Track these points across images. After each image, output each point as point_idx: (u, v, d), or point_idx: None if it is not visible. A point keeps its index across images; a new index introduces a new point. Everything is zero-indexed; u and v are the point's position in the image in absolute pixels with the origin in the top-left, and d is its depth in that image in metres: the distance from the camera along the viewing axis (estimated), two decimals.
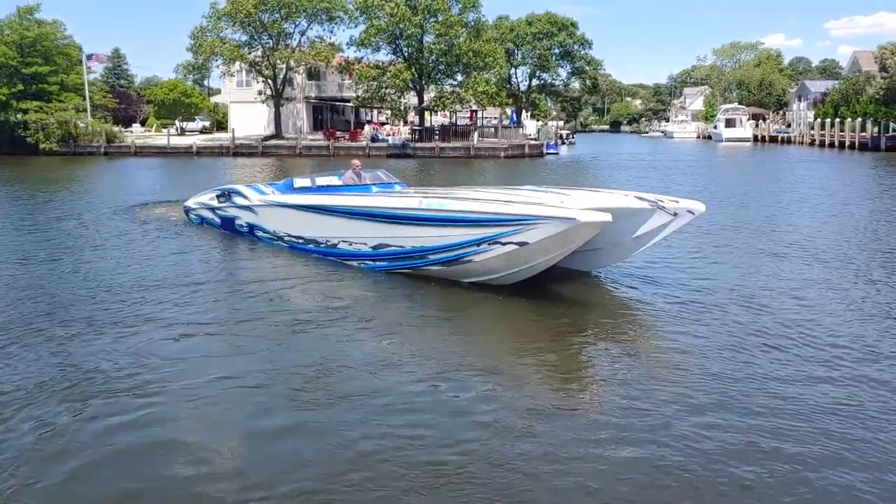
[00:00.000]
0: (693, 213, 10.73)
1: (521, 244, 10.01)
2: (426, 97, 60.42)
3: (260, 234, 14.36)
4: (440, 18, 56.51)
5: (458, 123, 62.56)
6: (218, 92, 75.76)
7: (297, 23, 59.18)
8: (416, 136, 57.58)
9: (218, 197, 15.59)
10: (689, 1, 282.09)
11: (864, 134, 61.39)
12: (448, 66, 58.27)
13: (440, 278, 11.25)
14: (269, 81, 59.79)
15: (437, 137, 56.81)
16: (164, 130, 64.40)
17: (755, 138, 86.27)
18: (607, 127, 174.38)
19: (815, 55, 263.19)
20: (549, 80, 79.22)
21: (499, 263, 10.49)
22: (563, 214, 9.62)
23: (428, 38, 57.81)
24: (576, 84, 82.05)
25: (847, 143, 63.13)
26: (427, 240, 10.98)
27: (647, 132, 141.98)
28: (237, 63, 58.99)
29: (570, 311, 10.08)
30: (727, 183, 32.50)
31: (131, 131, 68.21)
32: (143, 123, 79.44)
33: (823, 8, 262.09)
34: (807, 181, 32.17)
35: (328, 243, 12.70)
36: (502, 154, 52.72)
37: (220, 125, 75.85)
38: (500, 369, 7.82)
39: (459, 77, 59.92)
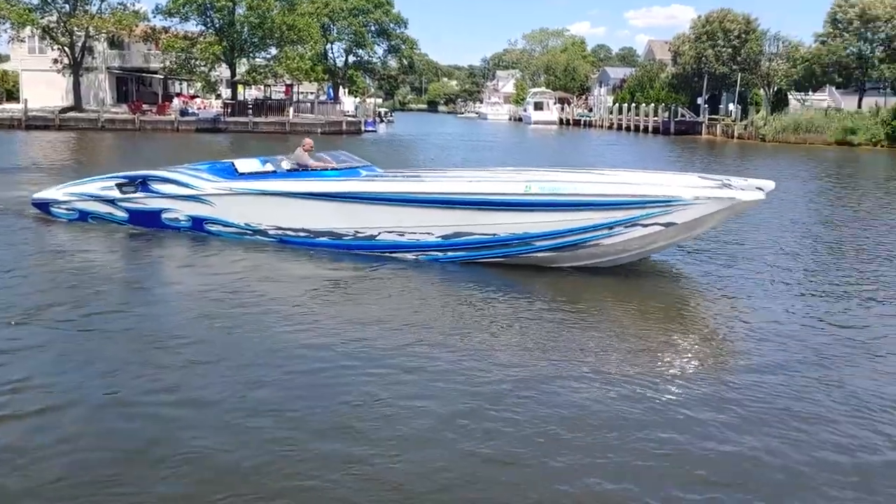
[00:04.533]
0: (763, 191, 10.53)
1: (668, 224, 9.82)
2: (239, 70, 58.69)
3: (216, 227, 12.31)
4: None
5: (274, 98, 61.29)
6: (7, 59, 69.53)
7: None
8: (229, 111, 55.87)
9: (121, 186, 12.99)
10: None
11: (656, 118, 66.41)
12: (261, 39, 56.79)
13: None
14: (66, 49, 55.54)
15: (250, 112, 55.37)
16: None
17: (561, 121, 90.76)
18: (425, 106, 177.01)
19: (616, 43, 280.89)
20: (366, 58, 79.21)
21: (631, 245, 10.29)
22: (721, 194, 9.67)
23: (239, 11, 56.03)
24: (393, 62, 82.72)
25: (642, 127, 68.07)
26: (535, 225, 10.28)
27: (462, 113, 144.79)
28: (28, 28, 54.34)
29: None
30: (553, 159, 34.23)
31: None
32: None
33: None
34: (616, 158, 34.55)
35: (359, 234, 11.26)
36: (319, 130, 51.97)
37: (11, 95, 69.63)
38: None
39: (273, 51, 58.64)
